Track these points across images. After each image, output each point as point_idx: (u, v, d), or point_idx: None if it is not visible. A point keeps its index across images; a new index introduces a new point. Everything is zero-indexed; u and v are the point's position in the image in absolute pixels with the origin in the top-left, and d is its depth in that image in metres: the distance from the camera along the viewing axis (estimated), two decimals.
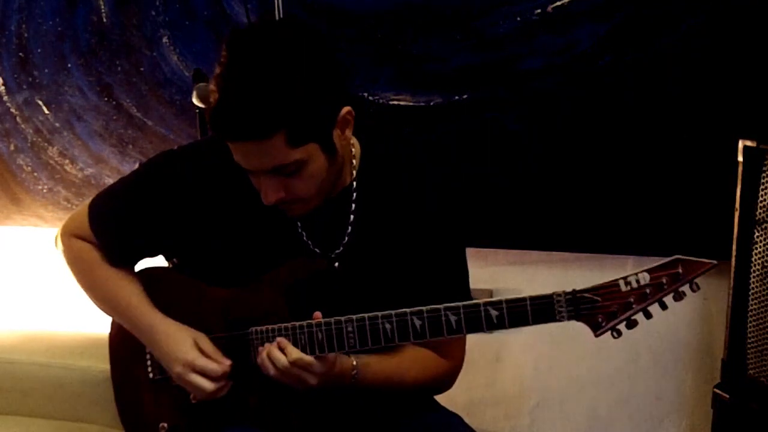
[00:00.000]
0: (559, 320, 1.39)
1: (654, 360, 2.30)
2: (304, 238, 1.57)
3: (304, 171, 1.42)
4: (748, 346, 1.88)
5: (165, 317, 1.59)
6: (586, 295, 1.37)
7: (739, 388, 1.90)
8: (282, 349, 1.47)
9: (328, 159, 1.44)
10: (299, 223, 1.57)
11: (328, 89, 1.40)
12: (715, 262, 1.36)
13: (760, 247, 1.83)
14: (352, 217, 1.57)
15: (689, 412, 2.31)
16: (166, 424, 1.64)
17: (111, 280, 1.64)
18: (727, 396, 1.92)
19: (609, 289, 1.37)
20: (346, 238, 1.56)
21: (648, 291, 1.36)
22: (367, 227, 1.57)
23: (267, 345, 1.49)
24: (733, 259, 1.87)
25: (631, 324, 1.38)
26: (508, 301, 1.40)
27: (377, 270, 1.57)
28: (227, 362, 1.54)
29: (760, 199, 1.82)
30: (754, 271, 1.85)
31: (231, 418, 1.59)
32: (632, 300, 1.36)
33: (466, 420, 1.68)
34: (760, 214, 1.82)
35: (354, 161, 1.57)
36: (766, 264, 1.82)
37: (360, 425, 1.62)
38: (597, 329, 1.38)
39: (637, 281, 1.36)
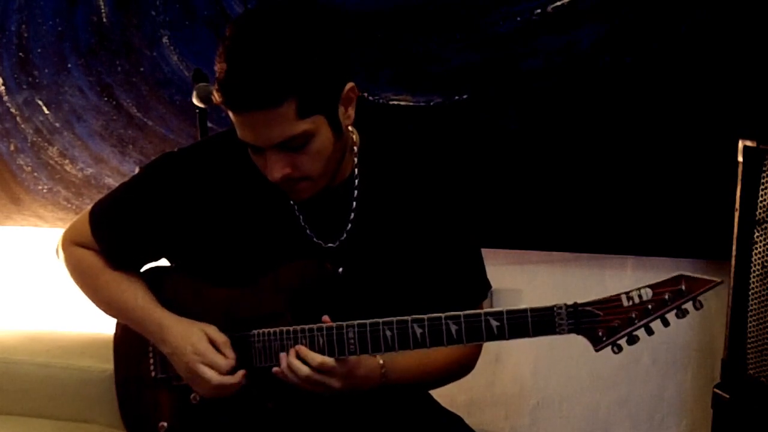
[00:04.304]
0: (559, 333, 1.38)
1: (654, 360, 2.30)
2: (307, 231, 1.57)
3: (311, 146, 1.41)
4: (748, 345, 1.87)
5: (172, 314, 1.59)
6: (588, 308, 1.37)
7: (739, 388, 1.90)
8: (303, 358, 1.45)
9: (334, 135, 1.44)
10: (300, 216, 1.57)
11: (336, 60, 1.40)
12: (719, 280, 1.36)
13: (760, 247, 1.83)
14: (354, 204, 1.57)
15: (689, 412, 2.31)
16: (165, 424, 1.64)
17: (115, 283, 1.64)
18: (727, 396, 1.92)
19: (611, 303, 1.37)
20: (349, 225, 1.56)
21: (650, 307, 1.35)
22: (370, 217, 1.57)
23: (284, 356, 1.47)
24: (733, 259, 1.87)
25: (632, 340, 1.37)
26: (509, 312, 1.39)
27: (382, 262, 1.56)
28: (233, 355, 1.54)
29: (760, 199, 1.82)
30: (754, 271, 1.85)
31: (230, 418, 1.59)
32: (634, 315, 1.36)
33: (466, 420, 1.69)
34: (760, 214, 1.82)
35: (355, 150, 1.57)
36: (766, 264, 1.82)
37: (360, 426, 1.61)
38: (597, 344, 1.37)
39: (640, 297, 1.36)
